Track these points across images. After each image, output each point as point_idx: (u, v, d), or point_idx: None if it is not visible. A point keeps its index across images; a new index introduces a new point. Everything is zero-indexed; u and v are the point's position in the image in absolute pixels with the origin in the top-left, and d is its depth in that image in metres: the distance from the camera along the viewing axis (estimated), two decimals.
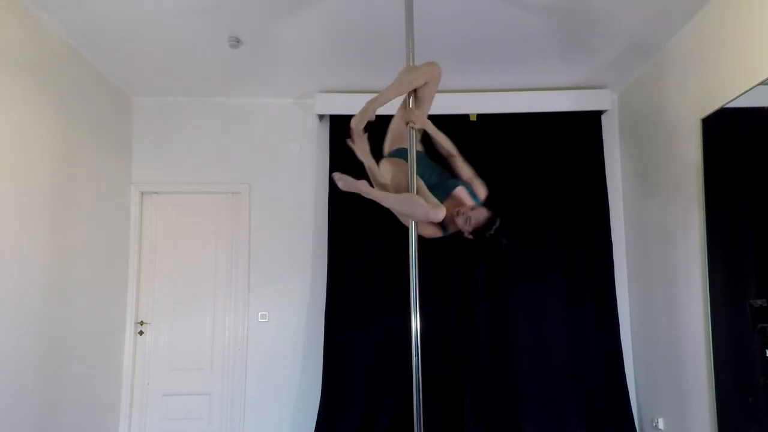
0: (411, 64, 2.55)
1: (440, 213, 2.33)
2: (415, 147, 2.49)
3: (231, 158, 4.66)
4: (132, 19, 3.39)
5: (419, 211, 2.34)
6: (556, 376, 4.29)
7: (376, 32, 3.58)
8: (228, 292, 4.58)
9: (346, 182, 2.62)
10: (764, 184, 2.82)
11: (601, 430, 4.17)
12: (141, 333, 4.53)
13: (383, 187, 2.62)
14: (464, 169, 2.68)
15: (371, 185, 2.65)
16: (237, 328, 4.54)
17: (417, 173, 2.45)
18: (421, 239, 2.47)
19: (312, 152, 4.68)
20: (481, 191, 2.62)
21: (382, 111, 2.56)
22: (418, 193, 2.41)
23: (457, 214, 2.44)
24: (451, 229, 2.54)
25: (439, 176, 2.63)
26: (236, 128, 4.70)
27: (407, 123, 2.49)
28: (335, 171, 4.39)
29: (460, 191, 2.57)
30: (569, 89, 4.46)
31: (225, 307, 4.58)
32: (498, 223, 2.42)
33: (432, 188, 2.53)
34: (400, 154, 2.63)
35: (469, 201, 2.56)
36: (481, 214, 2.42)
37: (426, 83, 2.50)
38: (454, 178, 2.67)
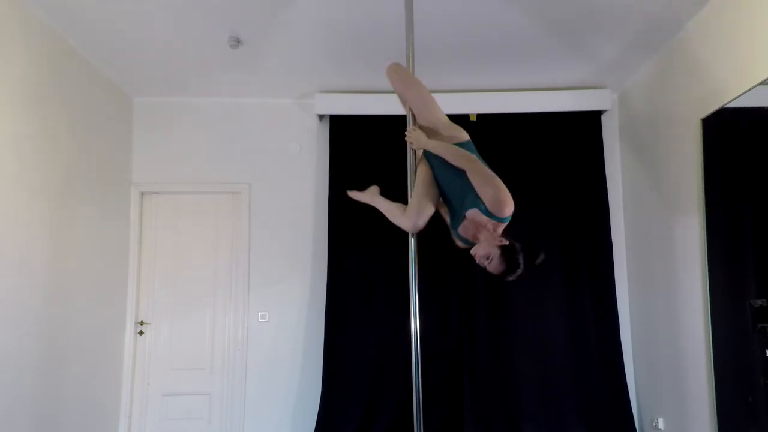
0: (411, 63, 2.56)
1: (409, 222, 2.34)
2: (413, 164, 2.50)
3: (231, 158, 4.66)
4: (132, 19, 3.39)
5: (402, 224, 2.42)
6: (556, 376, 4.29)
7: (376, 32, 3.58)
8: (228, 292, 4.58)
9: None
10: (764, 184, 2.83)
11: (601, 430, 4.17)
12: (141, 333, 4.53)
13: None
14: (481, 186, 2.22)
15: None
16: (237, 328, 4.54)
17: (439, 180, 2.42)
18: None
19: (312, 152, 4.68)
20: (503, 209, 2.21)
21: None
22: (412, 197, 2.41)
23: (476, 239, 2.28)
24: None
25: (461, 188, 2.31)
26: (236, 128, 4.70)
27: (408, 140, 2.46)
28: (335, 171, 4.46)
29: (471, 213, 2.27)
30: (569, 89, 4.46)
31: (225, 307, 4.58)
32: (520, 263, 2.20)
33: (451, 203, 2.40)
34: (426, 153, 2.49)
35: (484, 221, 2.25)
36: (498, 265, 2.20)
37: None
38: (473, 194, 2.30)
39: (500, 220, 2.24)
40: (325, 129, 4.65)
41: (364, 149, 4.51)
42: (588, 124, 4.53)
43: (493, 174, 2.23)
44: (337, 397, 4.26)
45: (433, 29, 3.52)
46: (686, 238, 3.53)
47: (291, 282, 4.57)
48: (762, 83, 2.76)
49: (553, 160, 4.51)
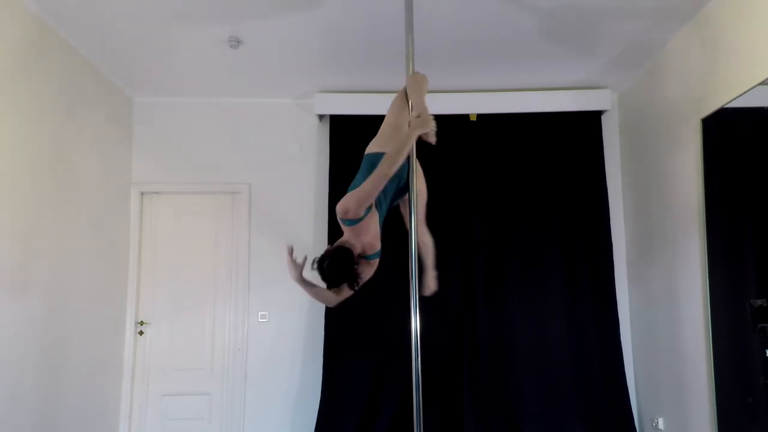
0: (411, 63, 2.55)
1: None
2: (414, 160, 2.43)
3: (231, 158, 4.66)
4: (132, 19, 3.38)
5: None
6: (557, 376, 4.29)
7: (375, 32, 3.58)
8: (228, 292, 4.58)
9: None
10: (764, 184, 2.82)
11: (601, 430, 4.16)
12: (141, 333, 4.53)
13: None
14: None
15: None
16: (237, 328, 4.53)
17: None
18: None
19: (312, 152, 4.68)
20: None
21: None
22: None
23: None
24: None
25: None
26: (236, 128, 4.70)
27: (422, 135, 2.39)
28: (335, 171, 4.45)
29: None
30: (569, 89, 4.46)
31: (225, 308, 4.58)
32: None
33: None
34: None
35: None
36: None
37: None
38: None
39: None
40: (325, 129, 4.65)
41: (364, 149, 4.50)
42: (588, 124, 4.53)
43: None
44: (337, 397, 4.26)
45: (433, 29, 3.52)
46: (686, 237, 3.53)
47: (291, 282, 4.52)
48: (762, 83, 2.76)
49: (553, 160, 4.51)
